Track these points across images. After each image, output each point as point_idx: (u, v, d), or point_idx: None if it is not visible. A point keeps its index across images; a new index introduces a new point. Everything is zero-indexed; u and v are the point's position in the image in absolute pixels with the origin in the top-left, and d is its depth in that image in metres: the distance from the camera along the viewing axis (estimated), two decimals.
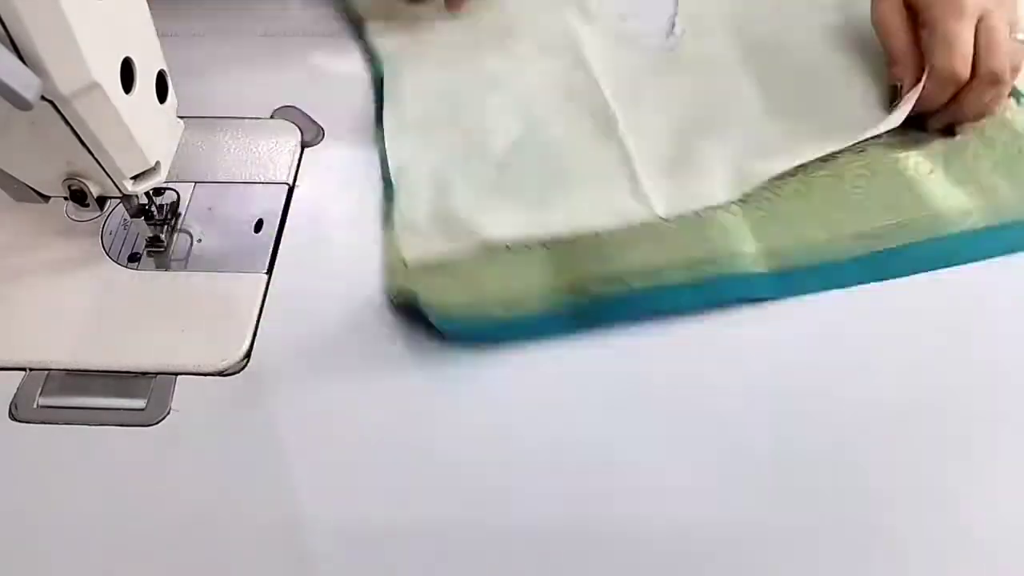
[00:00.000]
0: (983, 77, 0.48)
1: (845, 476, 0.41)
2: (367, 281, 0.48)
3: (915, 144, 0.52)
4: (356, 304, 0.47)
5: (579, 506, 0.40)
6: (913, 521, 0.40)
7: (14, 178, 0.42)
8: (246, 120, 0.56)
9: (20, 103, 0.33)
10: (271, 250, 0.49)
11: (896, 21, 0.51)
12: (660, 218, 0.49)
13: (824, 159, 0.51)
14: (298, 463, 0.42)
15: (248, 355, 0.45)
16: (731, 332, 0.46)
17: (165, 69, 0.43)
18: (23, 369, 0.45)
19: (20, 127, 0.38)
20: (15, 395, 0.44)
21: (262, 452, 0.42)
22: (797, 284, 0.47)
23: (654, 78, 0.58)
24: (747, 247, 0.48)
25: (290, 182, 0.53)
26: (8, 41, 0.33)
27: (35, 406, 0.44)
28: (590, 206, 0.50)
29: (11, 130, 0.38)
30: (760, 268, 0.47)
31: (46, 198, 0.44)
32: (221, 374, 0.45)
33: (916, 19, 0.50)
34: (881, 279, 0.47)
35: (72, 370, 0.45)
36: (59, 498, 0.41)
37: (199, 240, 0.50)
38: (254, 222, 0.51)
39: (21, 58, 0.33)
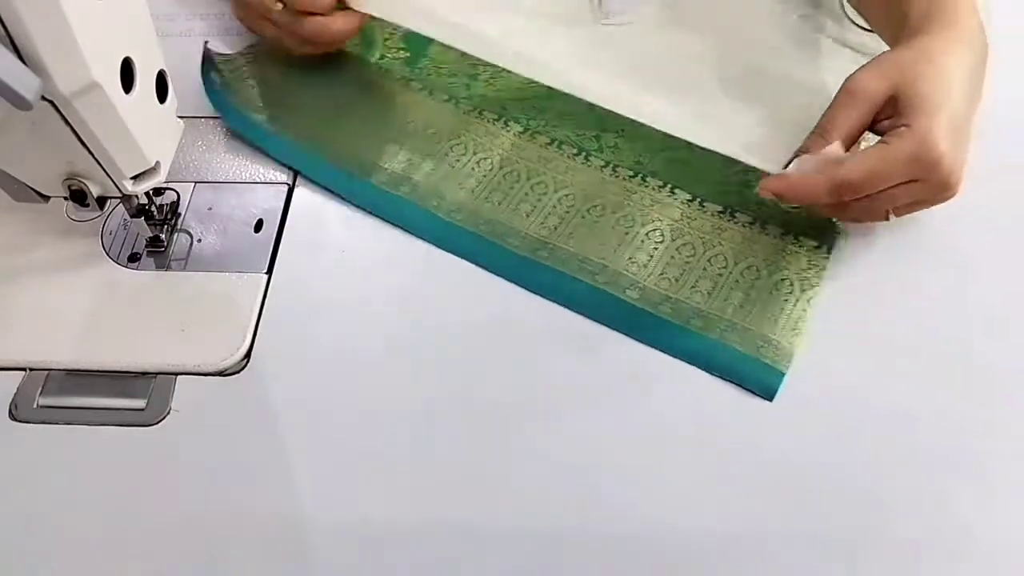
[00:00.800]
0: (845, 207, 0.44)
1: (845, 479, 0.41)
2: (367, 281, 0.48)
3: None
4: (356, 304, 0.47)
5: (579, 506, 0.40)
6: (913, 522, 0.40)
7: (14, 178, 0.42)
8: None
9: (20, 103, 0.33)
10: (271, 250, 0.49)
11: (864, 100, 0.43)
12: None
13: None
14: (298, 463, 0.42)
15: (248, 355, 0.45)
16: None
17: (165, 69, 0.43)
18: (23, 369, 0.45)
19: (20, 127, 0.38)
20: (15, 395, 0.44)
21: (262, 452, 0.42)
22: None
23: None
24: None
25: (290, 182, 0.53)
26: (8, 41, 0.33)
27: (35, 406, 0.44)
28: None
29: (11, 130, 0.38)
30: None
31: (46, 198, 0.44)
32: (221, 374, 0.45)
33: (878, 117, 0.44)
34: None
35: (72, 370, 0.45)
36: (59, 498, 0.41)
37: (199, 240, 0.50)
38: (254, 222, 0.51)
39: (21, 58, 0.33)
